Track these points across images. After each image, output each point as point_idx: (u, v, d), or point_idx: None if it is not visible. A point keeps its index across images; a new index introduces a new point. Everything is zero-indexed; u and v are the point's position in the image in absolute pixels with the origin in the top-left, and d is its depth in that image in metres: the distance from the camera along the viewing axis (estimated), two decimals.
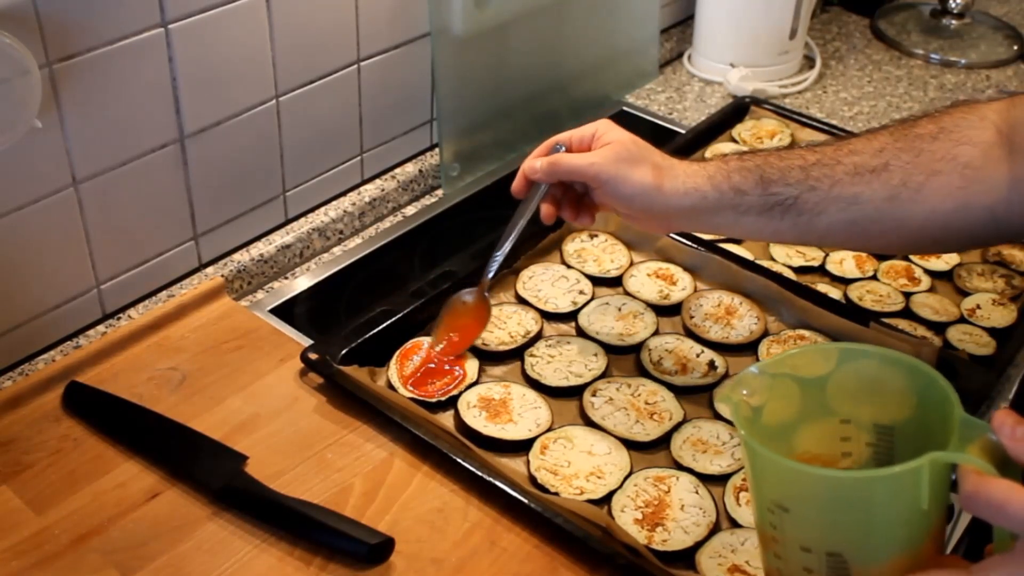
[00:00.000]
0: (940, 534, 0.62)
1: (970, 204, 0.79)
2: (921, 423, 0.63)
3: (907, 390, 0.64)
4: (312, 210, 1.17)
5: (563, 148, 0.89)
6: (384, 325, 0.96)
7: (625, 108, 1.47)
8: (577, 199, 0.91)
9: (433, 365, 0.94)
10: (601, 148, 0.86)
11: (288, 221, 1.15)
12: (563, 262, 1.09)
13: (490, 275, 0.95)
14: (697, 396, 0.93)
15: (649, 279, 1.07)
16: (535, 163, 0.89)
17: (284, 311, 1.06)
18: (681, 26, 1.64)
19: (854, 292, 1.07)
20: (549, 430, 0.89)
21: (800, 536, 0.62)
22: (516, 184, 0.91)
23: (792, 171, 0.83)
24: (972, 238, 0.83)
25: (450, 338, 0.96)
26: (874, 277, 1.10)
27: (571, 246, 1.11)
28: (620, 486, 0.84)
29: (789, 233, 0.84)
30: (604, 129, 0.88)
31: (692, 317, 1.02)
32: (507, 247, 0.94)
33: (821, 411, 0.68)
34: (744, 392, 0.66)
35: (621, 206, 0.86)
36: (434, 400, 0.91)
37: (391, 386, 0.92)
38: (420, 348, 0.96)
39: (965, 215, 0.79)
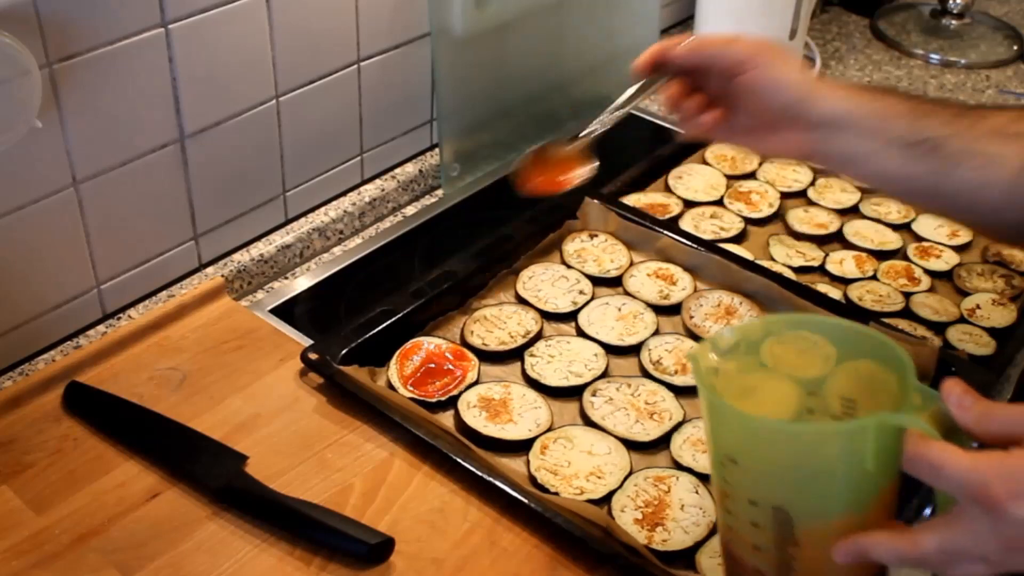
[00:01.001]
0: (888, 501, 0.62)
1: None
2: (884, 397, 0.63)
3: (895, 379, 0.64)
4: (312, 210, 1.17)
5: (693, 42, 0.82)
6: (384, 325, 0.96)
7: None
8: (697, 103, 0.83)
9: (433, 365, 0.94)
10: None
11: (288, 221, 1.15)
12: (563, 262, 1.09)
13: (589, 134, 0.86)
14: (697, 396, 0.93)
15: (649, 279, 1.07)
16: (670, 44, 0.80)
17: (284, 311, 1.06)
18: (681, 26, 1.64)
19: (854, 292, 1.07)
20: (549, 430, 0.89)
21: (747, 489, 0.63)
22: (641, 61, 0.82)
23: (941, 112, 0.79)
24: None
25: (536, 175, 0.89)
26: (874, 277, 1.10)
27: (571, 246, 1.11)
28: (620, 486, 0.84)
29: (921, 181, 0.79)
30: (751, 37, 0.81)
31: (692, 317, 1.02)
32: (617, 114, 0.85)
33: (785, 377, 0.68)
34: (712, 356, 0.66)
35: (765, 94, 0.80)
36: (434, 400, 0.91)
37: (391, 386, 0.92)
38: (420, 348, 0.96)
39: None
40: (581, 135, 0.88)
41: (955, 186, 0.78)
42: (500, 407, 0.90)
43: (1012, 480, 0.53)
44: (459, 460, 0.83)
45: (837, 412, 0.67)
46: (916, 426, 0.57)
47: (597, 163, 0.89)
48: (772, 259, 1.12)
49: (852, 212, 1.21)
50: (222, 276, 1.05)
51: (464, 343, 0.97)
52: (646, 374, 0.95)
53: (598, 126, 0.87)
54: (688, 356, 0.67)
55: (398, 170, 1.25)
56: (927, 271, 1.12)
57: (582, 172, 0.89)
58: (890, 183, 0.83)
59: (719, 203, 1.22)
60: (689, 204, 1.20)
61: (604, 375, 0.95)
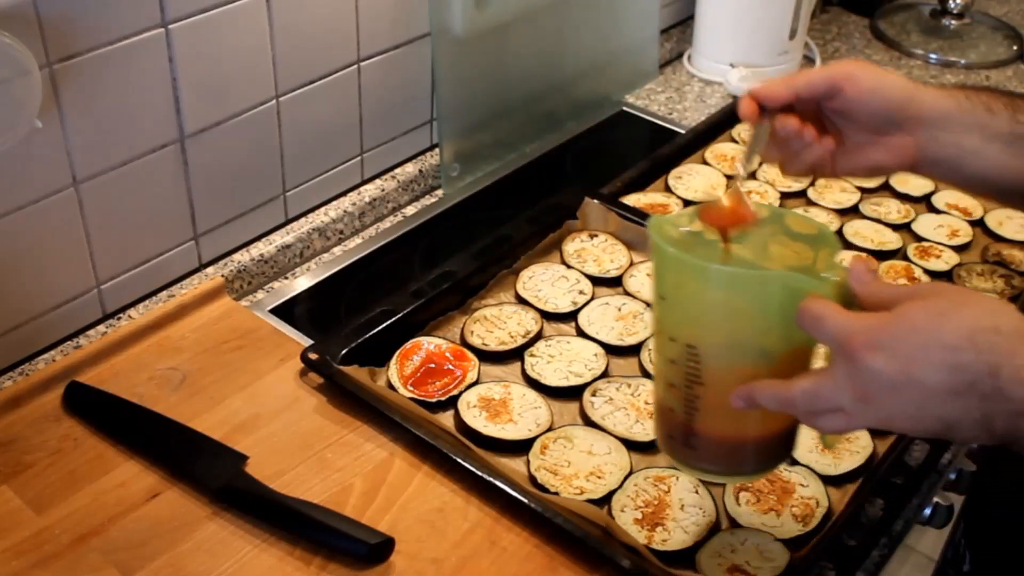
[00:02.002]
0: (790, 365, 0.66)
1: None
2: None
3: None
4: (312, 210, 1.17)
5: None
6: (384, 325, 0.96)
7: (625, 108, 1.47)
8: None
9: (433, 365, 0.94)
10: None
11: (288, 221, 1.15)
12: (563, 262, 1.09)
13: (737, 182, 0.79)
14: None
15: (649, 279, 1.07)
16: (769, 86, 0.79)
17: (284, 311, 1.06)
18: (681, 26, 1.64)
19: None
20: (549, 430, 0.89)
21: (669, 326, 0.70)
22: (746, 111, 0.80)
23: None
24: None
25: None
26: None
27: (571, 246, 1.11)
28: (620, 486, 0.84)
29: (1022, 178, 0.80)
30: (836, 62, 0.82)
31: None
32: (751, 166, 0.83)
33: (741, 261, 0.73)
34: (684, 229, 0.72)
35: (870, 102, 0.79)
36: (434, 400, 0.91)
37: (391, 386, 0.92)
38: (420, 348, 0.96)
39: None
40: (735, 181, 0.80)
41: None
42: (500, 407, 0.90)
43: (870, 333, 0.59)
44: (459, 460, 0.83)
45: None
46: (815, 288, 0.63)
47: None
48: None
49: (852, 212, 1.21)
50: (222, 276, 1.05)
51: (464, 343, 0.97)
52: (646, 374, 0.95)
53: (740, 172, 0.80)
54: (653, 217, 0.72)
55: (398, 170, 1.25)
56: (927, 271, 1.12)
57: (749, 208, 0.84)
58: (993, 182, 0.83)
59: None
60: (689, 204, 1.20)
61: (604, 375, 0.95)
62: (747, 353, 0.67)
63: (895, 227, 1.19)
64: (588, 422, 0.90)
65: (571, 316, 1.02)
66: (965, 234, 1.18)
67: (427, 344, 0.96)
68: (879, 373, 0.58)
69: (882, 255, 1.14)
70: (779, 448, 0.72)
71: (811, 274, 0.66)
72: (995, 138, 0.80)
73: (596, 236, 1.12)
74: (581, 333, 1.00)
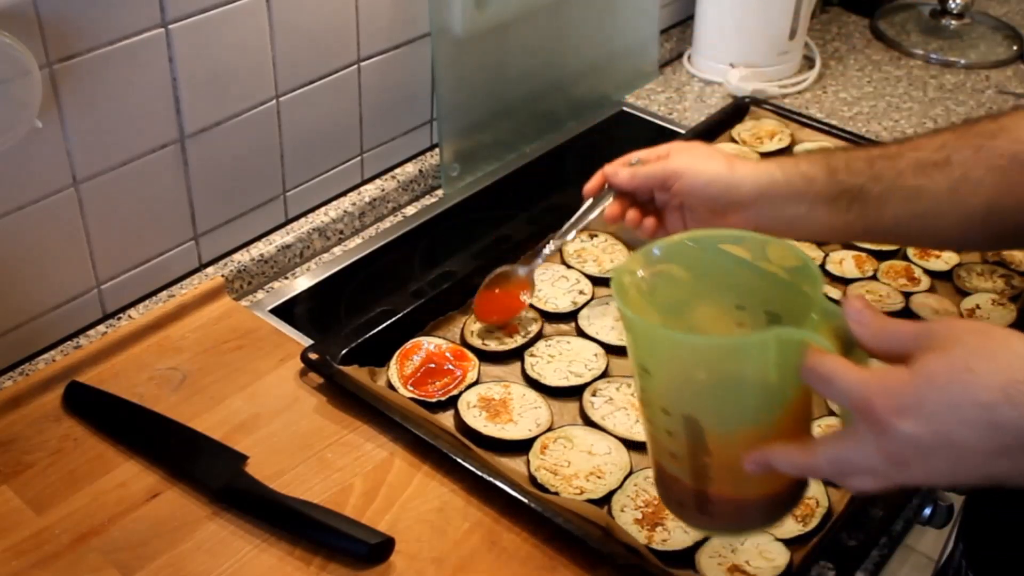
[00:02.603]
0: (798, 413, 0.63)
1: None
2: (800, 312, 0.64)
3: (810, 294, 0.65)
4: (312, 210, 1.17)
5: (638, 161, 0.95)
6: (384, 325, 0.96)
7: (625, 108, 1.47)
8: (643, 209, 0.96)
9: (433, 365, 0.94)
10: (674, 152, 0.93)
11: (288, 221, 1.15)
12: (563, 262, 1.09)
13: (540, 259, 0.99)
14: None
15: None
16: (613, 170, 0.95)
17: (284, 311, 1.06)
18: (681, 26, 1.64)
19: (854, 292, 1.07)
20: (549, 430, 0.89)
21: (660, 398, 0.64)
22: (590, 185, 0.97)
23: (856, 161, 0.85)
24: None
25: (488, 304, 0.99)
26: (874, 277, 1.10)
27: (571, 246, 1.11)
28: (620, 486, 0.84)
29: (858, 225, 0.86)
30: (678, 145, 0.95)
31: None
32: (568, 237, 0.98)
33: (716, 293, 0.70)
34: (640, 273, 0.68)
35: (696, 194, 0.89)
36: (434, 400, 0.91)
37: (391, 386, 0.92)
38: (420, 348, 0.96)
39: None
40: (537, 259, 0.99)
41: (889, 223, 0.84)
42: (500, 407, 0.90)
43: (891, 396, 0.55)
44: (459, 460, 0.83)
45: (764, 326, 0.68)
46: (812, 340, 0.58)
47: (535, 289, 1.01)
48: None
49: None
50: (222, 276, 1.05)
51: (464, 343, 0.98)
52: None
53: (550, 248, 0.99)
54: (612, 271, 0.70)
55: (398, 170, 1.25)
56: (927, 271, 1.12)
57: (527, 297, 1.00)
58: (832, 234, 0.91)
59: None
60: None
61: (604, 375, 0.95)
62: (751, 415, 0.62)
63: None
64: (588, 422, 0.90)
65: (571, 316, 1.02)
66: None
67: (427, 344, 0.96)
68: (911, 437, 0.55)
69: (882, 255, 1.14)
70: (797, 492, 0.69)
71: (798, 313, 0.62)
72: (817, 202, 0.86)
73: (596, 236, 1.12)
74: (581, 333, 1.00)
